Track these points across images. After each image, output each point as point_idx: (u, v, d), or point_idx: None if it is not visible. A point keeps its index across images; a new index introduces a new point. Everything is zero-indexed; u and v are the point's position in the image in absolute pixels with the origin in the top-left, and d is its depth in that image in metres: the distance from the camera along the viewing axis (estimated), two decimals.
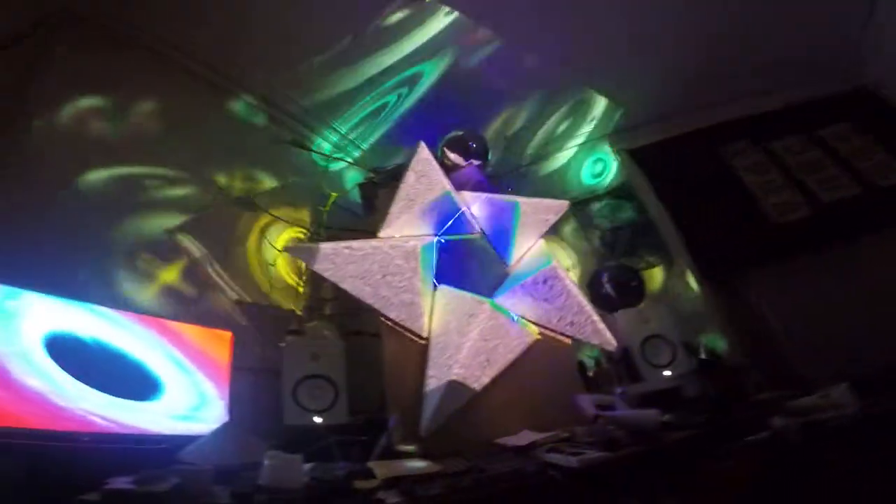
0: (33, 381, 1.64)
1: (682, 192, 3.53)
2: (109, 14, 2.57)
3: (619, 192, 3.94)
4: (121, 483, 1.36)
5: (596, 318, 2.45)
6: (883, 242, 2.92)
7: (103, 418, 1.71)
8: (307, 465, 1.61)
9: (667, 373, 2.36)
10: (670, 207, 3.55)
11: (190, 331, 2.15)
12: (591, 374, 2.55)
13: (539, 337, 2.42)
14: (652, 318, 2.57)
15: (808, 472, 1.58)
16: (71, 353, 1.75)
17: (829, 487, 1.54)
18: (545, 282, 2.48)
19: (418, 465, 1.69)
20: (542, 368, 2.34)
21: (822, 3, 3.19)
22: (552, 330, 2.46)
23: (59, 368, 1.70)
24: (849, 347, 2.45)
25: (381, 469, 1.62)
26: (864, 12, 3.29)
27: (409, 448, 1.89)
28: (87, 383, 1.73)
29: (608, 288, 2.83)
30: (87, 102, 2.44)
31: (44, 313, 1.76)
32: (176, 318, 2.16)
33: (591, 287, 2.94)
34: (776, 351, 2.69)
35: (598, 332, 2.42)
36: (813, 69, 3.52)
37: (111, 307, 1.94)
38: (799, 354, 2.60)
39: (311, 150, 3.37)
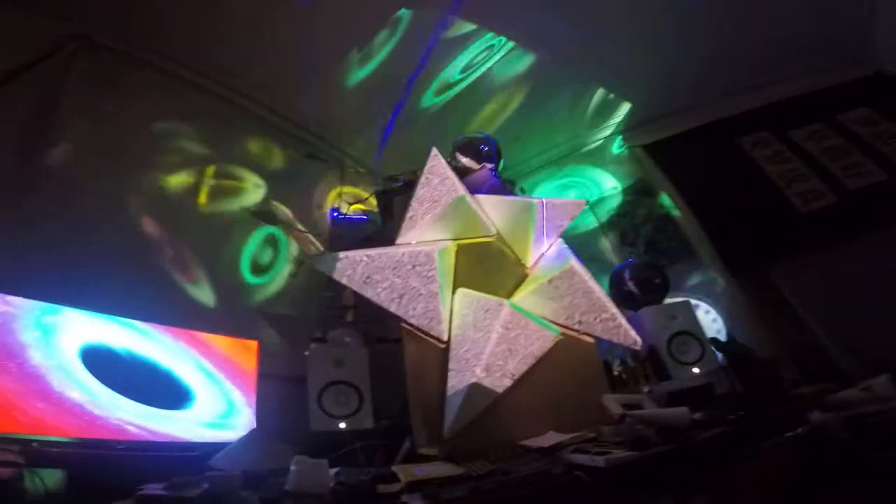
0: (72, 393, 1.72)
1: (703, 186, 3.47)
2: (126, 38, 2.69)
3: (638, 189, 3.87)
4: (153, 489, 1.40)
5: (619, 316, 2.41)
6: None
7: (137, 427, 1.77)
8: (333, 470, 1.63)
9: (695, 370, 2.30)
10: (691, 202, 3.49)
11: (218, 341, 2.22)
12: (616, 373, 2.50)
13: (561, 337, 2.40)
14: (678, 314, 2.51)
15: (848, 468, 1.51)
16: (106, 365, 1.82)
17: (872, 484, 1.47)
18: (565, 281, 2.45)
19: (442, 468, 1.68)
20: (566, 369, 2.31)
21: None
22: (574, 330, 2.43)
23: (96, 379, 1.78)
24: (886, 336, 2.34)
25: (405, 473, 1.62)
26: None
27: (433, 451, 1.89)
28: (121, 393, 1.80)
29: (631, 286, 2.77)
30: (110, 125, 2.53)
31: (80, 327, 1.84)
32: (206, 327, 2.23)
33: (614, 285, 2.89)
34: (810, 343, 2.59)
35: (621, 330, 2.38)
36: (824, 55, 3.43)
37: (143, 320, 2.02)
38: (835, 345, 2.51)
39: (325, 161, 3.44)
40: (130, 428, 1.76)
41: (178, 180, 2.75)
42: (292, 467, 1.51)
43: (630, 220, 3.79)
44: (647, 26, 3.18)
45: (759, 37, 3.31)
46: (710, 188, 3.46)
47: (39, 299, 1.77)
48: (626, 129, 4.04)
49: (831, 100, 3.50)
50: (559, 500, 1.47)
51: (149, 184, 2.62)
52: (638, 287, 2.77)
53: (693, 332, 2.42)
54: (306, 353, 2.35)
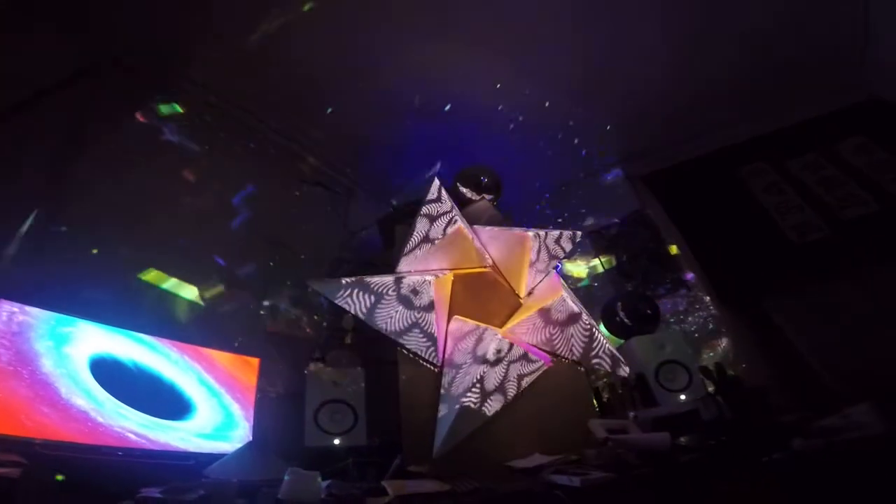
0: (78, 400, 1.80)
1: (699, 217, 3.55)
2: (153, 62, 2.87)
3: (636, 220, 3.96)
4: (151, 493, 1.46)
5: (607, 344, 2.47)
6: None
7: (137, 435, 1.84)
8: (325, 483, 1.68)
9: (682, 397, 2.34)
10: (687, 233, 3.57)
11: (221, 357, 2.31)
12: (605, 399, 2.54)
13: (551, 365, 2.46)
14: (667, 343, 2.57)
15: (826, 492, 1.54)
16: (113, 375, 1.92)
17: None
18: (557, 311, 2.53)
19: (429, 484, 1.73)
20: (555, 395, 2.37)
21: (820, 19, 3.23)
22: (564, 358, 2.49)
23: (102, 389, 1.86)
24: (876, 364, 2.39)
25: (394, 487, 1.66)
26: (861, 26, 3.28)
27: (422, 469, 1.93)
28: (125, 403, 1.88)
29: (622, 316, 2.84)
30: (135, 146, 2.70)
31: (92, 339, 1.94)
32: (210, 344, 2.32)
33: (607, 315, 2.96)
34: (803, 372, 2.63)
35: (609, 358, 2.44)
36: (819, 82, 3.53)
37: (151, 334, 2.12)
38: (827, 374, 2.54)
39: (329, 189, 3.58)
40: (131, 436, 1.83)
41: (198, 201, 2.89)
42: (286, 477, 1.56)
43: (626, 251, 3.86)
44: (648, 58, 3.31)
45: (756, 66, 3.42)
46: (706, 219, 3.54)
47: (56, 311, 1.88)
48: (627, 159, 4.14)
49: (828, 127, 3.57)
50: None
51: (170, 204, 2.75)
52: (629, 318, 2.84)
53: (681, 360, 2.47)
54: (306, 371, 2.42)
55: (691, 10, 3.05)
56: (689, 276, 3.49)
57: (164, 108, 3.02)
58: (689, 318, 3.24)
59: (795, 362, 2.71)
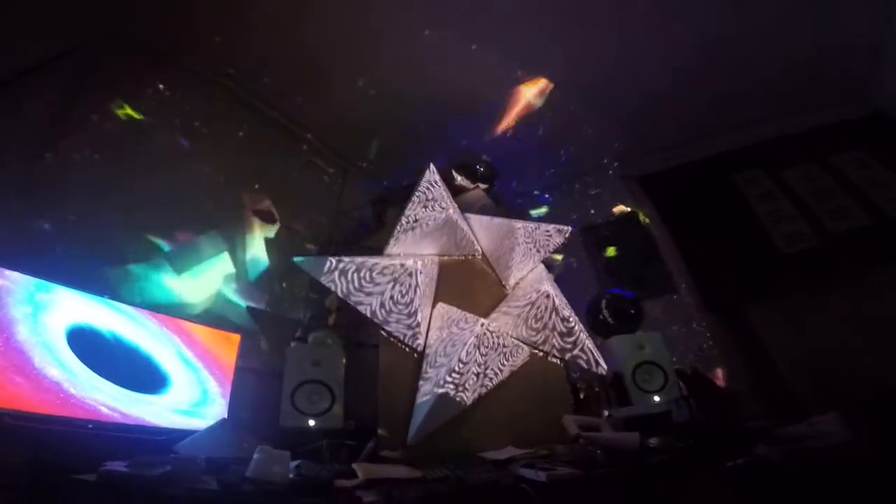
0: (52, 371, 1.78)
1: (690, 221, 3.56)
2: (151, 35, 2.82)
3: (629, 219, 3.96)
4: (116, 466, 1.46)
5: (588, 341, 2.49)
6: (893, 273, 2.86)
7: (110, 408, 1.83)
8: (294, 462, 1.69)
9: (656, 398, 2.36)
10: (677, 236, 3.58)
11: (201, 331, 2.29)
12: (582, 396, 2.57)
13: (531, 358, 2.47)
14: (647, 344, 2.58)
15: (788, 500, 1.57)
16: (90, 346, 1.90)
17: None
18: (540, 304, 2.53)
19: (400, 470, 1.74)
20: (532, 388, 2.39)
21: (833, 30, 3.18)
22: (544, 351, 2.50)
23: (77, 359, 1.85)
24: (851, 376, 2.43)
25: (364, 470, 1.68)
26: (875, 39, 3.24)
27: (395, 454, 1.95)
28: (101, 375, 1.87)
29: (606, 314, 2.85)
30: (126, 117, 2.65)
31: (71, 306, 1.92)
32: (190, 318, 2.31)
33: (590, 312, 2.96)
34: (778, 380, 2.67)
35: (588, 355, 2.45)
36: (825, 93, 3.51)
37: (131, 304, 2.10)
38: (802, 384, 2.58)
39: (323, 168, 3.54)
40: (103, 409, 1.82)
41: (188, 171, 2.85)
42: (255, 455, 1.57)
43: (617, 250, 3.87)
44: (652, 59, 3.27)
45: (760, 75, 3.39)
46: (698, 224, 3.54)
47: (35, 276, 1.85)
48: (625, 159, 4.12)
49: (828, 139, 3.55)
50: None
51: (157, 177, 2.70)
52: (612, 316, 2.85)
53: (658, 362, 2.49)
54: (286, 350, 2.42)
55: (696, 13, 3.00)
56: (676, 278, 3.50)
57: (159, 82, 2.94)
58: (672, 321, 3.26)
59: (773, 369, 2.75)
